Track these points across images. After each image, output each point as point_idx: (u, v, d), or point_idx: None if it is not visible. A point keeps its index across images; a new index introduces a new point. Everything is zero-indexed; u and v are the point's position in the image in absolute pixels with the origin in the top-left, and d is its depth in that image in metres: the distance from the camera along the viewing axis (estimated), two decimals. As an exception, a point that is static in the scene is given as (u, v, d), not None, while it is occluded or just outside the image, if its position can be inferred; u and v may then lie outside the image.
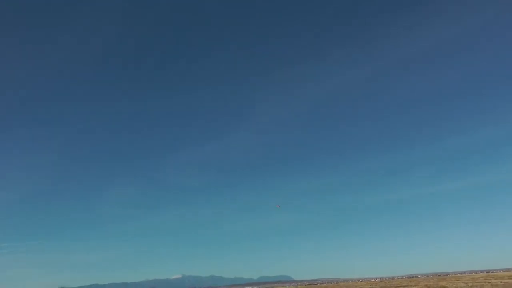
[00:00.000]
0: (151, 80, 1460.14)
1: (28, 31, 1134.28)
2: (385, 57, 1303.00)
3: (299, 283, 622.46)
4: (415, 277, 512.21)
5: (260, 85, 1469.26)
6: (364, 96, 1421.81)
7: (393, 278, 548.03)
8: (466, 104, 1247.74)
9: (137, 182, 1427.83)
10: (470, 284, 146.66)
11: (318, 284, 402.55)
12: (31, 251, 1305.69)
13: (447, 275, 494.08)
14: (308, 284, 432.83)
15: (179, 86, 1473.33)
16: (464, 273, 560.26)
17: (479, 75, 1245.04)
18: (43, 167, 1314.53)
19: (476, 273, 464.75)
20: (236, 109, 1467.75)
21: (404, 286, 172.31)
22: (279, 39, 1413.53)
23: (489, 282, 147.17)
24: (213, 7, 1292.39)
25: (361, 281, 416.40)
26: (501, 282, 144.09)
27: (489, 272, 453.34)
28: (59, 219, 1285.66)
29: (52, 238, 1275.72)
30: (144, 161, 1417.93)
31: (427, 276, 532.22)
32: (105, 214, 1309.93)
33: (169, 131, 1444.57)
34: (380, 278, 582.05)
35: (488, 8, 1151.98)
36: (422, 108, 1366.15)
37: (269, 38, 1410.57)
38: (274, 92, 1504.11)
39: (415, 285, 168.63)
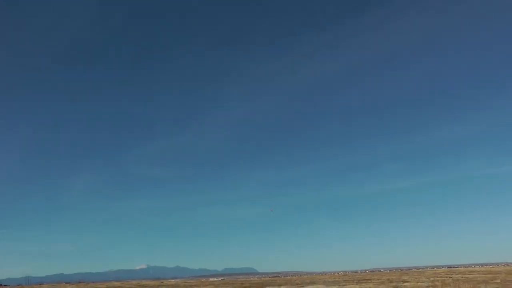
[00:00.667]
0: (121, 74, 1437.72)
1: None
2: (357, 51, 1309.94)
3: (263, 276, 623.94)
4: (378, 271, 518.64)
5: (232, 78, 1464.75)
6: (335, 90, 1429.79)
7: (356, 271, 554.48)
8: (436, 101, 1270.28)
9: (103, 172, 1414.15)
10: (431, 278, 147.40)
11: (282, 277, 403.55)
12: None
13: (409, 269, 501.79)
14: (272, 277, 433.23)
15: (149, 78, 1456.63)
16: (426, 268, 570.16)
17: (452, 71, 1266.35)
18: (8, 155, 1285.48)
19: (438, 268, 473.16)
20: (207, 101, 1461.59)
21: (367, 279, 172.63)
22: (250, 33, 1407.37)
23: (450, 277, 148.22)
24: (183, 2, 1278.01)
25: (325, 274, 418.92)
26: (462, 277, 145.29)
27: (450, 267, 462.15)
28: (23, 207, 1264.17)
29: (17, 227, 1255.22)
30: (111, 152, 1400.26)
31: (390, 270, 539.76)
32: (71, 203, 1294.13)
33: (137, 122, 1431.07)
34: (344, 271, 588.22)
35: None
36: (391, 104, 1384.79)
37: (240, 32, 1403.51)
38: (245, 85, 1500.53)
39: (378, 279, 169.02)
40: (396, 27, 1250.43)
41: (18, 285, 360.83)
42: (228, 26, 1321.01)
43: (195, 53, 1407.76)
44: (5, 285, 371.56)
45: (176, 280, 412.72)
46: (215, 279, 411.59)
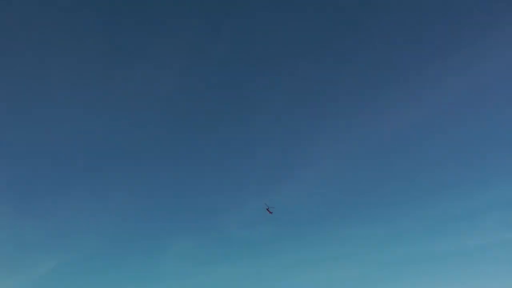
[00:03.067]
0: (209, 137, 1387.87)
1: None
2: (452, 93, 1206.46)
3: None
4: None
5: (320, 135, 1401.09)
6: (426, 137, 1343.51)
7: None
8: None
9: (199, 236, 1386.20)
10: None
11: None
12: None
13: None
14: None
15: (235, 139, 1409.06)
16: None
17: None
18: (105, 224, 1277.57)
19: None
20: (294, 157, 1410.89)
21: None
22: (335, 86, 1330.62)
23: None
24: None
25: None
26: None
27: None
28: (119, 274, 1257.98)
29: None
30: (205, 215, 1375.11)
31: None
32: (169, 270, 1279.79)
33: (228, 184, 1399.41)
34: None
35: None
36: (493, 148, 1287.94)
37: (322, 87, 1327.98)
38: (334, 140, 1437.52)
39: None
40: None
41: None
42: (314, 82, 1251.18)
43: (282, 112, 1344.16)
44: None
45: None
46: None
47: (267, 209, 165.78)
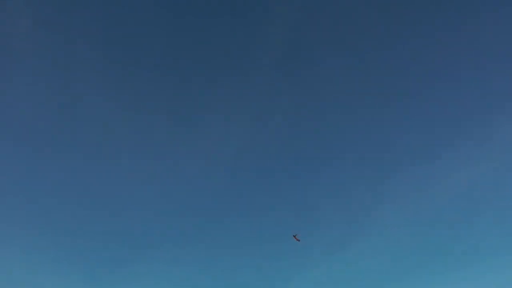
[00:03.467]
0: (273, 201, 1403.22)
1: None
2: None
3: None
4: None
5: (383, 199, 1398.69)
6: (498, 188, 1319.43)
7: None
8: None
9: None
10: None
11: None
12: None
13: None
14: None
15: (301, 203, 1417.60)
16: None
17: None
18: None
19: None
20: (360, 226, 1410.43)
21: None
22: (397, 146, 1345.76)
23: None
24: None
25: None
26: None
27: None
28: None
29: None
30: (269, 284, 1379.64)
31: None
32: None
33: (292, 249, 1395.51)
34: None
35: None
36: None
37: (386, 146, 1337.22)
38: (394, 196, 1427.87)
39: None
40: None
41: None
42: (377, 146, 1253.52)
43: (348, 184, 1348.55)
44: None
45: None
46: None
47: (294, 236, 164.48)
